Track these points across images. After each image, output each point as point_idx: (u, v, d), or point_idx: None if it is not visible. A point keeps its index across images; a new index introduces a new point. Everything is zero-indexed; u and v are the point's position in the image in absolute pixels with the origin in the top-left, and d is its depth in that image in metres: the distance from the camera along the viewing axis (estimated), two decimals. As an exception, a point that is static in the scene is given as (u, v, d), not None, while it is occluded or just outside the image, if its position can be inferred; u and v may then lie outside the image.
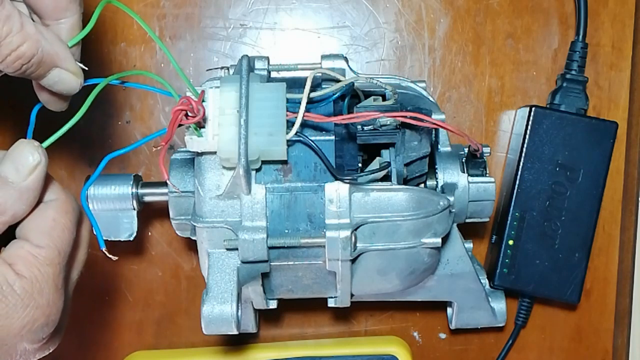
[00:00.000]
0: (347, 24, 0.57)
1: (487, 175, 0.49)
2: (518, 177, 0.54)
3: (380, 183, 0.43)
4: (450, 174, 0.49)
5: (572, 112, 0.55)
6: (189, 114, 0.39)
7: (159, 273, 0.58)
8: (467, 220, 0.50)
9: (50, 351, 0.38)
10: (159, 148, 0.38)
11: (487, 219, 0.50)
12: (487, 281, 0.55)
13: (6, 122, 0.57)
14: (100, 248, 0.39)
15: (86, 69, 0.38)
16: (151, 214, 0.57)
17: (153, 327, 0.59)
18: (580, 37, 0.56)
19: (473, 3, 0.57)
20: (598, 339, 0.60)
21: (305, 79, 0.41)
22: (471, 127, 0.58)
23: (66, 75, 0.37)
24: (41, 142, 0.36)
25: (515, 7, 0.57)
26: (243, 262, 0.43)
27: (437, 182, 0.49)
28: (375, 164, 0.43)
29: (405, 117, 0.42)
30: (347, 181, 0.42)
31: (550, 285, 0.55)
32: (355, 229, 0.42)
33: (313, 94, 0.42)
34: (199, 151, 0.41)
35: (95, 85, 0.38)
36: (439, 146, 0.50)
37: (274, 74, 0.49)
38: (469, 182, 0.48)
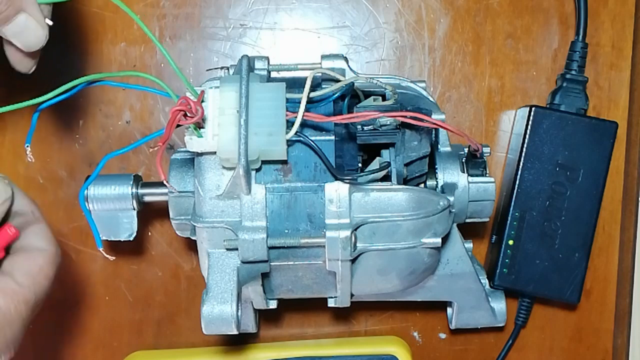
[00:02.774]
0: (347, 24, 0.57)
1: (487, 175, 0.49)
2: (518, 177, 0.54)
3: (380, 183, 0.43)
4: (450, 174, 0.49)
5: (572, 112, 0.55)
6: (188, 114, 0.39)
7: (159, 273, 0.58)
8: (467, 220, 0.50)
9: None
10: (156, 149, 0.38)
11: (487, 219, 0.50)
12: (487, 281, 0.55)
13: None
14: (98, 248, 0.39)
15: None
16: (151, 214, 0.57)
17: (153, 327, 0.59)
18: (580, 37, 0.56)
19: (473, 3, 0.57)
20: (598, 339, 0.60)
21: (305, 79, 0.41)
22: (471, 127, 0.58)
23: (32, 24, 0.37)
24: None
25: (515, 7, 0.57)
26: (243, 262, 0.43)
27: (437, 182, 0.49)
28: (375, 164, 0.43)
29: (405, 117, 0.42)
30: (347, 181, 0.42)
31: (550, 285, 0.55)
32: (355, 229, 0.42)
33: (313, 94, 0.42)
34: (199, 151, 0.41)
35: (94, 85, 0.38)
36: (439, 146, 0.50)
37: (274, 74, 0.49)
38: (469, 182, 0.48)
